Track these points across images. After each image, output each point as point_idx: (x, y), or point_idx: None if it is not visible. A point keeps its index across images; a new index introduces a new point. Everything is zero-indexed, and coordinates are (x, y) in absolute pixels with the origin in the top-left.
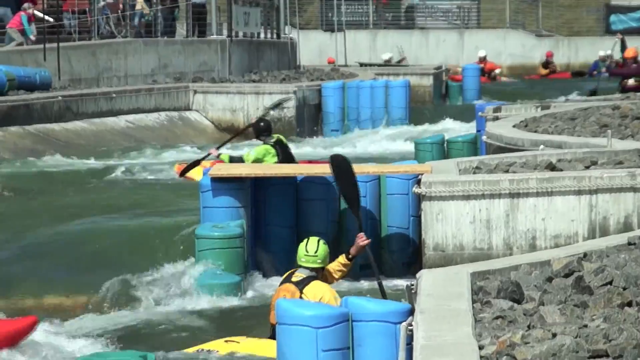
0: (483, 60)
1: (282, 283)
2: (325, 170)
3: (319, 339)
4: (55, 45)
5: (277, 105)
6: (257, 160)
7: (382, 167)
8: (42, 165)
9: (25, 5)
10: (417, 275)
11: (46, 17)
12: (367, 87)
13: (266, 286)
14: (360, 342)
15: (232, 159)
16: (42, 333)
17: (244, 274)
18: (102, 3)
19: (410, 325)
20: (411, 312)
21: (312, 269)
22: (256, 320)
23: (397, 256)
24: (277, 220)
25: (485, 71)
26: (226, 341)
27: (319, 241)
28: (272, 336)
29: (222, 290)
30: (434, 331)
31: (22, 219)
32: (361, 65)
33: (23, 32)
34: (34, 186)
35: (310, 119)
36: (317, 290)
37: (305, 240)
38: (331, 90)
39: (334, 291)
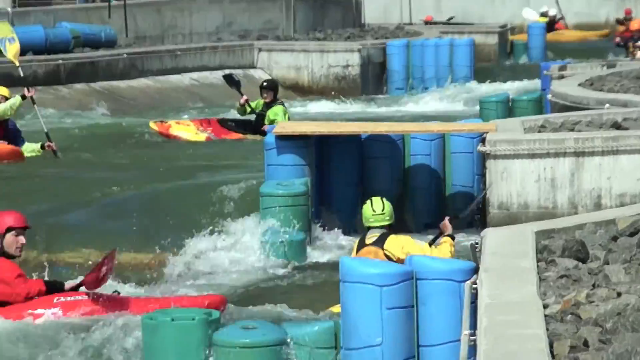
0: (553, 18)
1: (358, 249)
2: (390, 128)
3: (383, 296)
4: (120, 2)
5: (230, 80)
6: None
7: (446, 126)
8: (106, 123)
9: None
10: (482, 233)
11: None
12: (432, 45)
13: (330, 244)
14: (424, 300)
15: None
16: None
17: (308, 232)
18: None
19: (475, 283)
20: (475, 270)
21: (382, 227)
22: (321, 278)
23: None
24: (341, 178)
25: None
26: None
27: (382, 199)
28: None
29: (287, 248)
30: (498, 290)
31: (89, 176)
32: (426, 23)
33: None
34: (98, 143)
35: (375, 77)
36: (397, 242)
37: (368, 202)
38: (396, 48)
39: (411, 238)
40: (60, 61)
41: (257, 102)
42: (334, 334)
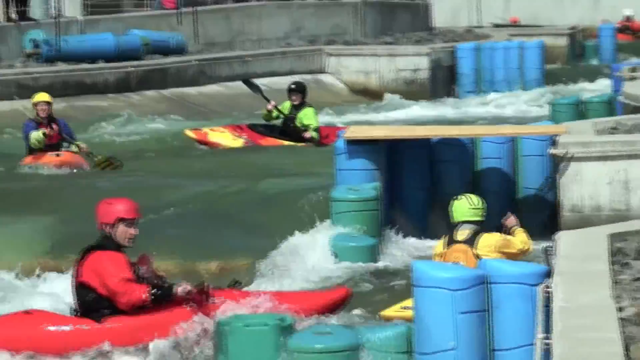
0: (630, 19)
1: (448, 244)
2: (460, 132)
3: (455, 301)
4: (190, 9)
5: (251, 86)
6: None
7: (517, 129)
8: (176, 128)
9: None
10: (555, 236)
11: None
12: (501, 48)
13: (401, 248)
14: (498, 304)
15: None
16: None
17: (380, 236)
18: None
19: (548, 287)
20: (549, 273)
21: (476, 222)
22: (392, 282)
23: (533, 217)
24: (412, 182)
25: (635, 30)
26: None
27: (478, 196)
28: None
29: (358, 253)
30: (572, 293)
31: (159, 182)
32: (495, 26)
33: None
34: (169, 149)
35: (444, 80)
36: (489, 242)
37: (462, 197)
38: (465, 51)
39: (505, 236)
40: (131, 68)
41: (283, 105)
42: (407, 338)
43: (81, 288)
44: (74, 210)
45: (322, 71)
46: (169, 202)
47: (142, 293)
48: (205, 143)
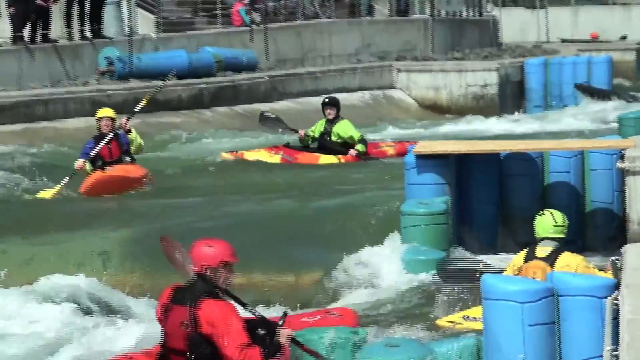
0: None
1: (526, 259)
2: (528, 146)
3: (524, 313)
4: (261, 26)
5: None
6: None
7: (585, 143)
8: (248, 144)
9: None
10: (622, 249)
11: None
12: (569, 63)
13: (470, 261)
14: (566, 316)
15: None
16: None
17: (448, 250)
18: None
19: (616, 299)
20: (617, 286)
21: (558, 239)
22: (462, 295)
23: (601, 231)
24: (481, 196)
25: None
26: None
27: (560, 212)
28: None
29: (427, 266)
30: (639, 305)
31: (227, 198)
32: (563, 41)
33: (242, 23)
34: (241, 164)
35: (513, 95)
36: (569, 262)
37: (547, 213)
38: (533, 67)
39: (586, 260)
40: (204, 85)
41: (317, 125)
42: (476, 350)
43: (197, 338)
44: (134, 226)
45: (391, 87)
46: (238, 217)
47: (258, 357)
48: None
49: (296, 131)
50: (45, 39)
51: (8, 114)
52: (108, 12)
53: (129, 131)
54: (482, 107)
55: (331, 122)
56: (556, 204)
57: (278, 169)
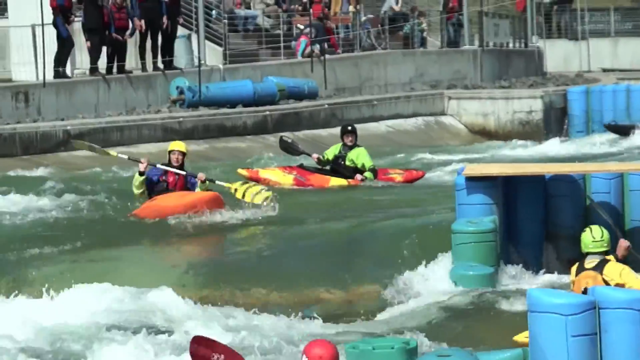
0: None
1: (577, 273)
2: (571, 169)
3: (568, 325)
4: (321, 58)
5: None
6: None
7: (624, 166)
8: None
9: (302, 27)
10: None
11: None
12: (610, 91)
13: (517, 277)
14: (607, 328)
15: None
16: (318, 324)
17: (497, 266)
18: (363, 18)
19: None
20: None
21: (600, 253)
22: (509, 309)
23: None
24: (527, 215)
25: None
26: None
27: (600, 227)
28: None
29: (477, 281)
30: None
31: (291, 215)
32: (604, 70)
33: (304, 54)
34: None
35: (556, 121)
36: (616, 268)
37: (587, 229)
38: (576, 94)
39: (630, 270)
40: (268, 112)
41: (332, 148)
42: None
43: None
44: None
45: (443, 113)
46: (300, 237)
47: None
48: (257, 180)
49: (310, 155)
50: (121, 70)
51: (86, 139)
52: (179, 45)
53: (203, 181)
54: (527, 132)
55: (349, 148)
56: (598, 223)
57: (330, 192)
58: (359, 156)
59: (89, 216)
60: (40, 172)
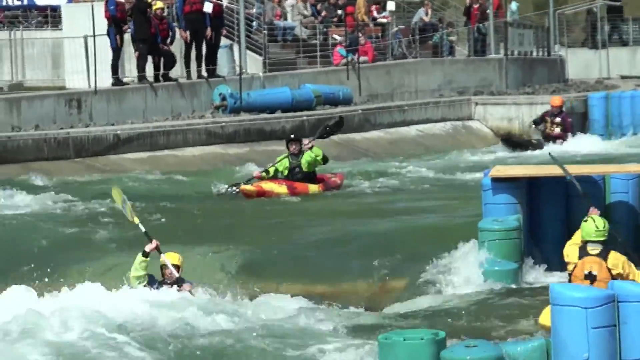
0: None
1: (580, 256)
2: (592, 170)
3: (588, 317)
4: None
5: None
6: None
7: None
8: (345, 169)
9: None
10: None
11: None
12: (628, 97)
13: (540, 272)
14: (626, 320)
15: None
16: (347, 315)
17: (520, 262)
18: (395, 29)
19: None
20: None
21: (602, 242)
22: (532, 302)
23: None
24: (549, 214)
25: None
26: None
27: (602, 218)
28: None
29: (502, 276)
30: None
31: (332, 212)
32: (622, 77)
33: (341, 61)
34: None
35: (578, 125)
36: (619, 258)
37: (590, 219)
38: (596, 100)
39: (630, 262)
40: (305, 117)
41: (284, 161)
42: (545, 351)
43: None
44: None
45: (470, 118)
46: (338, 231)
47: None
48: (263, 193)
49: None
50: (167, 78)
51: (135, 143)
52: (221, 55)
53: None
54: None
55: (296, 155)
56: (617, 221)
57: (356, 195)
58: (313, 154)
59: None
60: (90, 173)
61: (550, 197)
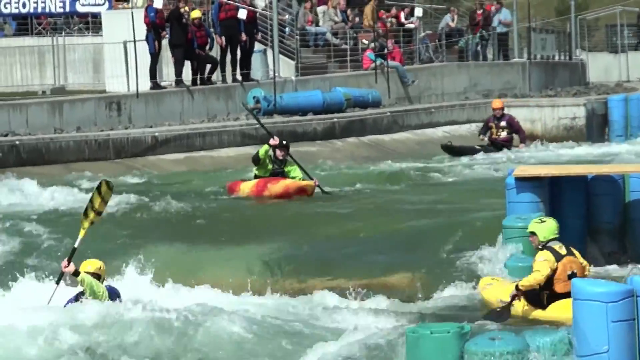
0: None
1: (558, 259)
2: (611, 169)
3: (608, 311)
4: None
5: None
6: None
7: None
8: (374, 169)
9: (368, 43)
10: None
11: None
12: None
13: None
14: None
15: None
16: (377, 310)
17: None
18: (422, 34)
19: None
20: None
21: (555, 239)
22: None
23: None
24: (570, 212)
25: None
26: None
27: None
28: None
29: (526, 272)
30: None
31: (350, 212)
32: None
33: (371, 65)
34: (363, 186)
35: (598, 126)
36: (577, 252)
37: (546, 219)
38: (616, 102)
39: None
40: (335, 119)
41: (266, 163)
42: (567, 343)
43: None
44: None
45: None
46: (359, 229)
47: None
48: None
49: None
50: (204, 81)
51: (172, 144)
52: (255, 59)
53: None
54: (571, 136)
55: (281, 162)
56: (636, 219)
57: (382, 193)
58: (297, 173)
59: (172, 213)
60: (131, 174)
61: (572, 195)
